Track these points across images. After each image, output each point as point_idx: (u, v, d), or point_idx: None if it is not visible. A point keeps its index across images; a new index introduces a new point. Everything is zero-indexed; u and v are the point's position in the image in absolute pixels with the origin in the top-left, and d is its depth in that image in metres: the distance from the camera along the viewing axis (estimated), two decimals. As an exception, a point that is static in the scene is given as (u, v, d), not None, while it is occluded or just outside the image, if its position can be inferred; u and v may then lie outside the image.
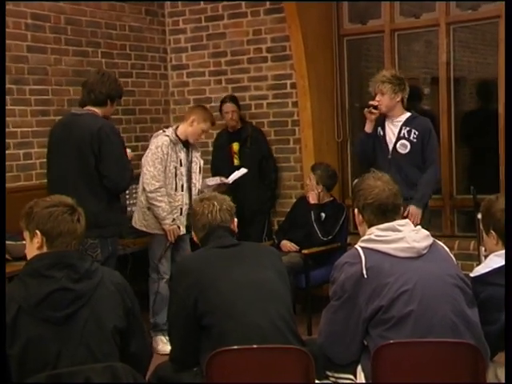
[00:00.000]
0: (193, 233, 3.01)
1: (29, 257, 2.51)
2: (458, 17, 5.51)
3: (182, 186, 4.73)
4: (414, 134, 4.58)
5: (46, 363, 2.32)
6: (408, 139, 4.58)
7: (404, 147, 4.59)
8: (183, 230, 4.76)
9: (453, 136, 5.60)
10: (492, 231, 2.84)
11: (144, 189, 4.69)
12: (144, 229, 4.78)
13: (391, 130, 4.65)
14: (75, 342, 2.35)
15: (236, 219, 2.97)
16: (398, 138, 4.60)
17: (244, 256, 2.81)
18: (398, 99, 4.63)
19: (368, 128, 4.68)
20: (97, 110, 4.14)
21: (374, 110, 4.61)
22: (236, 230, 2.97)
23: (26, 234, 2.54)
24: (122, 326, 2.47)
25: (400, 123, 4.62)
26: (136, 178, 5.42)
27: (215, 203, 2.87)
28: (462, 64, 5.77)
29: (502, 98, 5.20)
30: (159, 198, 4.62)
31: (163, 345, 4.60)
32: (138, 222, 4.81)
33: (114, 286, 2.50)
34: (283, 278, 2.83)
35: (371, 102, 4.64)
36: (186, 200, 4.75)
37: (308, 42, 5.72)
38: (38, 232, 2.48)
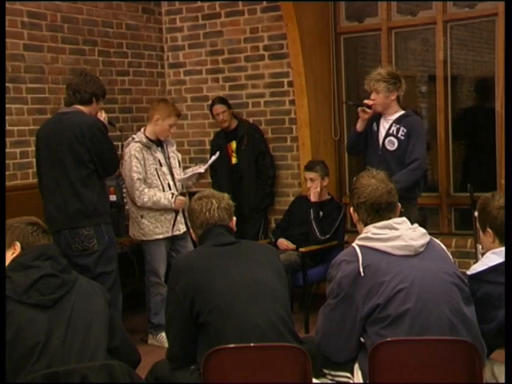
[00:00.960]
0: (191, 230, 2.99)
1: None
2: (454, 15, 5.50)
3: (169, 185, 4.71)
4: (403, 131, 4.57)
5: (36, 342, 2.38)
6: (396, 136, 4.58)
7: (392, 144, 4.59)
8: (183, 228, 4.75)
9: (450, 134, 5.60)
10: (488, 229, 2.85)
11: (132, 201, 4.69)
12: (143, 238, 4.74)
13: (383, 127, 4.65)
14: (64, 323, 2.44)
15: (235, 218, 2.95)
16: (387, 135, 4.61)
17: (242, 254, 2.79)
18: (393, 97, 4.61)
19: (359, 127, 4.68)
20: (83, 108, 4.23)
21: (367, 110, 4.60)
22: (235, 228, 2.95)
23: None
24: (106, 313, 2.57)
25: (391, 120, 4.62)
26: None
27: (213, 201, 2.86)
28: (458, 62, 5.77)
29: (500, 95, 5.21)
30: (147, 199, 4.59)
31: None
32: (135, 233, 4.77)
33: (89, 282, 2.66)
34: (281, 276, 2.82)
35: (365, 101, 4.62)
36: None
37: (305, 40, 5.72)
38: (17, 244, 2.62)
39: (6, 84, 4.95)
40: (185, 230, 4.74)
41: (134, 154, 4.61)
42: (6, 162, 4.91)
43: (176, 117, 4.77)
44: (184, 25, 6.26)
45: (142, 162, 4.62)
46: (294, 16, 5.63)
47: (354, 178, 2.93)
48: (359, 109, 4.64)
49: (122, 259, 4.94)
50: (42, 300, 2.45)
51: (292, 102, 5.87)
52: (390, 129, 4.61)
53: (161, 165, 4.70)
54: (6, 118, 4.95)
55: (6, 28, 4.93)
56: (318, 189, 5.25)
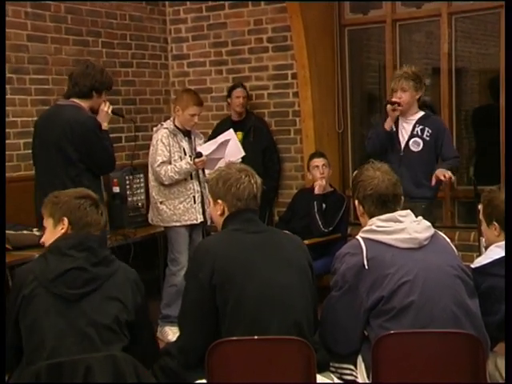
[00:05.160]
0: (219, 201, 2.75)
1: (48, 242, 2.62)
2: (459, 7, 5.49)
3: (191, 174, 4.72)
4: (428, 132, 4.51)
5: (51, 337, 2.37)
6: (421, 137, 4.52)
7: (417, 145, 4.53)
8: (200, 218, 4.75)
9: (454, 127, 5.59)
10: (495, 222, 2.84)
11: (161, 184, 4.68)
12: (161, 223, 4.79)
13: (404, 128, 4.58)
14: (82, 323, 2.41)
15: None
16: (412, 136, 4.54)
17: (270, 248, 2.67)
18: (417, 97, 4.56)
19: (388, 126, 4.57)
20: (81, 102, 4.05)
21: (398, 107, 4.50)
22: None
23: (49, 221, 2.67)
24: (129, 319, 2.51)
25: (413, 121, 4.56)
26: (137, 168, 5.43)
27: (256, 176, 2.76)
28: (463, 55, 5.76)
29: (504, 88, 5.19)
30: (172, 173, 4.60)
31: (173, 335, 4.60)
32: (153, 218, 4.82)
33: (129, 279, 2.58)
34: (306, 276, 2.72)
35: (394, 99, 4.52)
36: (196, 187, 4.75)
37: (309, 32, 5.70)
38: (65, 219, 2.62)
39: (10, 75, 4.95)
40: (202, 219, 4.75)
41: (160, 138, 4.66)
42: (10, 153, 4.92)
43: (195, 106, 4.73)
44: (188, 16, 6.25)
45: (168, 148, 4.66)
46: (299, 8, 5.62)
47: (356, 172, 2.92)
48: (389, 107, 4.52)
49: (125, 250, 4.95)
50: (67, 294, 2.44)
51: (296, 95, 5.86)
52: (413, 130, 4.54)
53: (185, 154, 4.71)
54: (10, 108, 4.95)
55: (10, 18, 4.93)
56: (324, 182, 5.24)
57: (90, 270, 2.48)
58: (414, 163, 4.49)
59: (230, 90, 5.79)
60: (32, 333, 2.40)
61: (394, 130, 4.60)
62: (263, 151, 5.77)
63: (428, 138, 4.51)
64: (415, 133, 4.55)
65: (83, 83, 4.03)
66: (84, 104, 4.06)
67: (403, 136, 4.58)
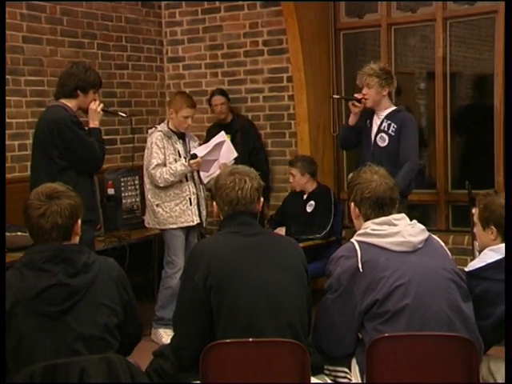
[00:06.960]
0: (214, 204, 2.81)
1: None
2: (454, 12, 5.51)
3: (186, 176, 4.74)
4: (393, 127, 4.53)
5: (40, 357, 2.30)
6: (387, 132, 4.55)
7: (383, 140, 4.56)
8: (197, 220, 4.77)
9: (448, 131, 5.61)
10: (492, 226, 2.83)
11: (157, 187, 4.70)
12: (157, 226, 4.80)
13: (375, 123, 4.63)
14: (71, 338, 2.35)
15: (262, 199, 2.83)
16: (378, 131, 4.59)
17: (265, 251, 2.68)
18: (385, 93, 4.57)
19: (351, 121, 4.65)
20: (68, 102, 4.09)
21: (357, 104, 4.57)
22: (260, 209, 2.84)
23: None
24: (118, 320, 2.47)
25: (383, 116, 4.60)
26: (132, 170, 5.42)
27: (247, 180, 2.73)
28: (457, 59, 5.78)
29: (498, 93, 5.22)
30: (167, 175, 4.62)
31: (167, 337, 4.59)
32: (150, 221, 4.83)
33: (111, 279, 2.49)
34: (301, 279, 2.73)
35: (356, 96, 4.60)
36: (192, 189, 4.76)
37: (304, 36, 5.72)
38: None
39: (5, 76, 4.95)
40: (198, 221, 4.78)
41: (155, 141, 4.69)
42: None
43: (189, 108, 4.75)
44: (183, 19, 6.26)
45: (163, 150, 4.68)
46: (294, 11, 5.63)
47: (352, 174, 2.93)
48: (349, 103, 4.63)
49: (120, 252, 4.94)
50: (49, 312, 2.34)
51: (291, 98, 5.87)
52: (381, 125, 4.58)
53: (180, 156, 4.73)
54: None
55: (6, 20, 4.92)
56: (302, 183, 5.28)
57: (70, 283, 2.36)
58: (383, 158, 4.42)
59: (210, 98, 5.82)
60: (19, 354, 2.33)
61: (369, 125, 4.64)
62: (250, 152, 5.77)
63: (393, 134, 4.52)
64: (382, 128, 4.58)
65: (67, 83, 4.08)
66: (71, 104, 4.09)
67: (374, 131, 4.62)
